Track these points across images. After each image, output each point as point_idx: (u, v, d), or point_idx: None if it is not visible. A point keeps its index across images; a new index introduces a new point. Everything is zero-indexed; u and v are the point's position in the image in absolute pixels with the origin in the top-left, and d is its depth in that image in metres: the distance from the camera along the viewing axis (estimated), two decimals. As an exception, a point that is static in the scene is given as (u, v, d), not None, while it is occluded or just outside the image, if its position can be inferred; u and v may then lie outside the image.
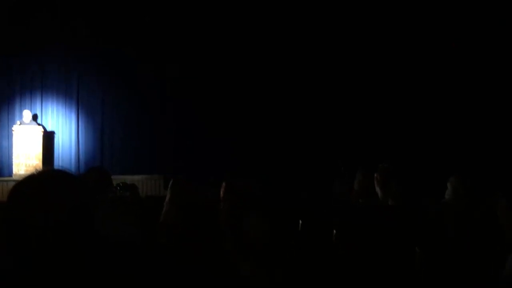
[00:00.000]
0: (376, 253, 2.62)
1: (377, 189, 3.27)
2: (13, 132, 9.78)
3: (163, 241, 2.49)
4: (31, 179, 1.22)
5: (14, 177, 9.26)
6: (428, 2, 9.16)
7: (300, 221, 3.69)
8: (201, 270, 1.67)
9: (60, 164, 9.95)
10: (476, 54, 8.95)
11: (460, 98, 9.12)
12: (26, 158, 9.65)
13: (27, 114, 9.91)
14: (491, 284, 2.23)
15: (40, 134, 9.81)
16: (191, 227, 2.04)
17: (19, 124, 9.81)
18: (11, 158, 9.76)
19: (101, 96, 10.59)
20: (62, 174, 1.27)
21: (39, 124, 10.06)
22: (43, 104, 10.36)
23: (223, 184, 4.14)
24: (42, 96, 10.36)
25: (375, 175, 3.29)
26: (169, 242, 2.26)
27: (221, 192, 4.12)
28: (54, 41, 10.10)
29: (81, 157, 10.40)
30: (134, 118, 10.51)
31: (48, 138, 10.12)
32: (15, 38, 9.86)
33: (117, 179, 5.88)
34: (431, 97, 9.34)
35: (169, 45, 10.18)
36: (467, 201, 3.04)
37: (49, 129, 10.29)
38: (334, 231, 3.23)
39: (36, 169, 1.30)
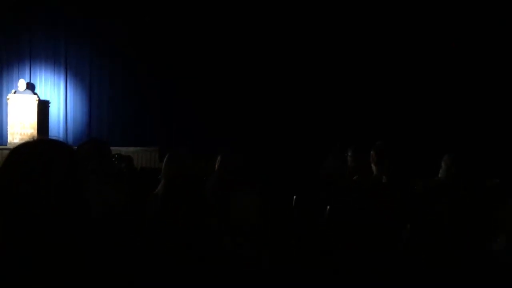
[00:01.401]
0: (368, 230, 2.65)
1: (372, 166, 3.29)
2: (8, 101, 9.71)
3: (151, 212, 2.51)
4: (26, 146, 1.22)
5: (8, 146, 9.25)
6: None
7: (294, 197, 3.72)
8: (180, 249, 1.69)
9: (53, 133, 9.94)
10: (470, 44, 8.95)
11: (457, 80, 9.13)
12: (21, 127, 9.61)
13: (22, 83, 9.82)
14: (480, 260, 2.27)
15: (35, 103, 9.75)
16: (179, 200, 2.05)
17: (14, 93, 9.73)
18: (6, 127, 9.73)
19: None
20: (57, 143, 1.27)
21: (34, 93, 9.99)
22: (31, 73, 10.25)
23: (218, 158, 4.16)
24: (31, 65, 10.24)
25: (371, 152, 3.30)
26: (156, 214, 2.27)
27: (216, 165, 4.14)
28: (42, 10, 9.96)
29: (75, 127, 10.36)
30: (130, 91, 10.45)
31: (43, 107, 10.05)
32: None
33: (113, 150, 5.90)
34: (428, 78, 9.33)
35: (161, 15, 10.02)
36: (459, 180, 3.07)
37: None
38: (328, 207, 3.26)
39: (32, 138, 1.30)
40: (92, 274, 1.14)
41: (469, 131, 8.58)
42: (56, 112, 10.29)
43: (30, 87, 10.01)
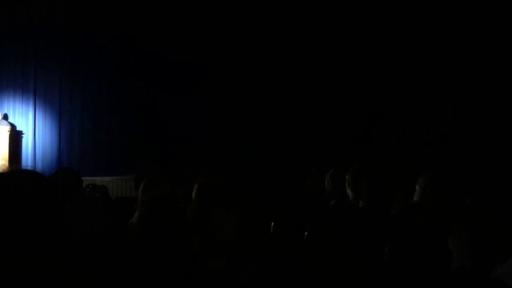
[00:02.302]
0: (346, 252, 2.66)
1: (348, 191, 3.31)
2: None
3: (131, 238, 2.47)
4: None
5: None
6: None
7: (272, 224, 3.70)
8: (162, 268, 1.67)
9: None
10: (456, 51, 9.06)
11: (430, 101, 9.28)
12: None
13: (-4, 114, 9.65)
14: (459, 281, 2.29)
15: (7, 134, 9.55)
16: (157, 225, 2.03)
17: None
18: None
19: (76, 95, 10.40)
20: (32, 173, 1.26)
21: (11, 124, 9.80)
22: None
23: (195, 185, 4.13)
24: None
25: (346, 176, 3.33)
26: (136, 239, 2.24)
27: (193, 194, 4.11)
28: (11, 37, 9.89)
29: (44, 157, 10.16)
30: (105, 119, 10.36)
31: (15, 137, 9.85)
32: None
33: (87, 180, 5.81)
34: (401, 99, 9.46)
35: (138, 31, 10.05)
36: (435, 202, 3.11)
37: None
38: (306, 232, 3.26)
39: (5, 168, 1.29)
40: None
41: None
42: (25, 142, 10.09)
43: (5, 117, 9.83)
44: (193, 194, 4.11)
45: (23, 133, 10.09)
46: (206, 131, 9.90)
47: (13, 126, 9.83)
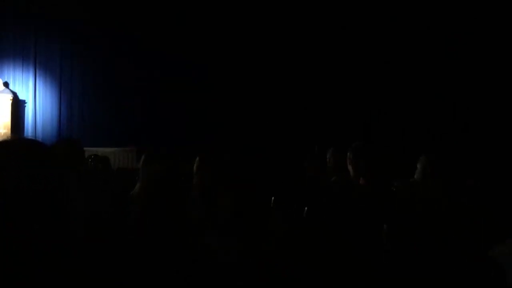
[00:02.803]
0: (346, 231, 2.68)
1: (349, 168, 3.32)
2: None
3: (133, 213, 2.48)
4: (1, 146, 1.20)
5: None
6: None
7: (273, 198, 3.73)
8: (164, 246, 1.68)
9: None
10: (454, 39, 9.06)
11: (435, 79, 9.25)
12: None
13: (-1, 83, 9.62)
14: (457, 261, 2.31)
15: (9, 103, 9.54)
16: (157, 200, 2.04)
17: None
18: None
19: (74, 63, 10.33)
20: (33, 142, 1.25)
21: (13, 92, 9.77)
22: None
23: (197, 158, 4.14)
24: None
25: (348, 154, 3.33)
26: (137, 214, 2.25)
27: (195, 167, 4.12)
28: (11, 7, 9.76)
29: (44, 126, 10.15)
30: (104, 88, 10.30)
31: (17, 106, 9.84)
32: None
33: (89, 151, 5.82)
34: (406, 79, 9.44)
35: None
36: (434, 180, 3.12)
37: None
38: (306, 208, 3.28)
39: (6, 137, 1.28)
40: (74, 275, 1.13)
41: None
42: (26, 110, 10.07)
43: (5, 85, 9.79)
44: (194, 167, 4.13)
45: (26, 102, 10.07)
46: (209, 108, 9.86)
47: (15, 95, 9.80)
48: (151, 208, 2.09)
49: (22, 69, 10.07)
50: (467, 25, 8.76)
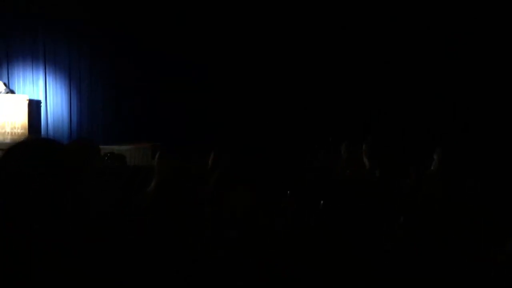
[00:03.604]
0: (362, 223, 2.67)
1: (365, 160, 3.31)
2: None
3: (146, 210, 2.50)
4: (19, 146, 1.22)
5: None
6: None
7: (288, 192, 3.72)
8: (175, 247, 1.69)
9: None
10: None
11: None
12: (11, 127, 9.51)
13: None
14: (473, 253, 2.29)
15: (25, 103, 9.65)
16: (172, 198, 2.04)
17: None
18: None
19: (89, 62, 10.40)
20: (50, 141, 1.27)
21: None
22: (9, 72, 10.10)
23: (212, 154, 4.16)
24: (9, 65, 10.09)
25: (363, 146, 3.33)
26: (151, 211, 2.27)
27: (209, 162, 4.14)
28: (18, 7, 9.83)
29: (55, 126, 10.25)
30: (119, 86, 10.36)
31: (34, 106, 9.94)
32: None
33: (105, 149, 5.87)
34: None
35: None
36: (447, 172, 3.09)
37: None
38: (322, 201, 3.28)
39: (24, 137, 1.30)
40: (88, 272, 1.14)
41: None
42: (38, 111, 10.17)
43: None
44: (209, 162, 4.15)
45: (41, 103, 10.18)
46: (221, 104, 9.86)
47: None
48: (164, 204, 2.10)
49: (32, 69, 10.17)
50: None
